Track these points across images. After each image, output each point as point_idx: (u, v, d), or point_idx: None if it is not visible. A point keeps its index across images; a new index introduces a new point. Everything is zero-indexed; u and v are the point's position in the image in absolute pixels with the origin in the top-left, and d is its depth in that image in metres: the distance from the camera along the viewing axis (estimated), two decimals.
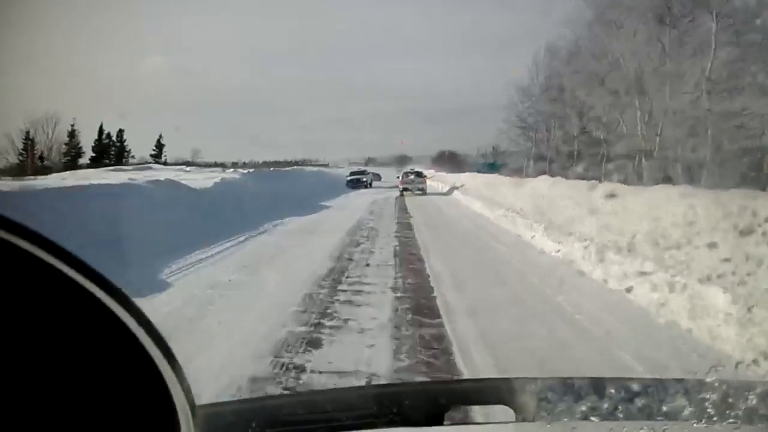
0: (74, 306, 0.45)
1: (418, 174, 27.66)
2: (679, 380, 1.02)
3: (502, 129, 33.86)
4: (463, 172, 38.84)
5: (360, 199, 23.29)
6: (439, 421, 0.99)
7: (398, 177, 28.77)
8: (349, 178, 33.34)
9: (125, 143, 53.86)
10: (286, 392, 3.35)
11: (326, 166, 58.51)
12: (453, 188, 26.98)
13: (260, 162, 62.19)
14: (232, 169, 26.34)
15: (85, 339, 0.46)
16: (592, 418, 0.93)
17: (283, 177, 25.12)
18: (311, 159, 70.08)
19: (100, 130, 52.39)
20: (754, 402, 0.90)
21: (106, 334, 0.47)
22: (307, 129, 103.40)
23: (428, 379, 3.51)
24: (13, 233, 0.43)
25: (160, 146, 56.05)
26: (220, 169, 30.78)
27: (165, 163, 48.68)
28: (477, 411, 1.13)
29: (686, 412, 0.91)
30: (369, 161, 70.40)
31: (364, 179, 33.55)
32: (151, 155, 54.91)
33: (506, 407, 0.99)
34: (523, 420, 0.97)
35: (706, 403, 0.90)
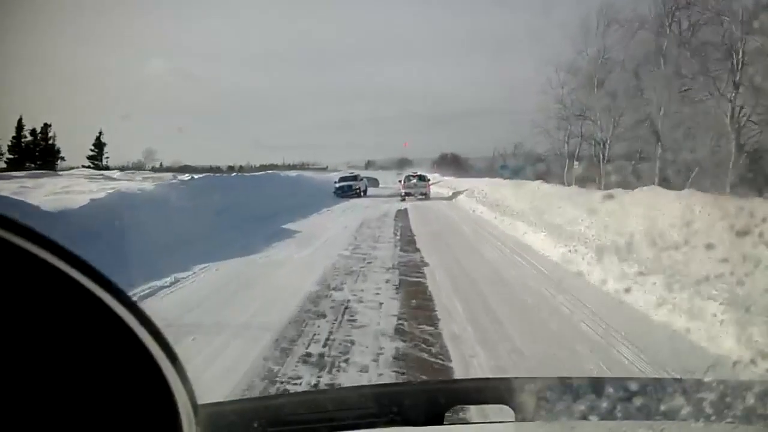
0: (77, 307, 0.46)
1: (421, 177, 25.91)
2: (677, 380, 1.03)
3: (535, 121, 25.29)
4: (469, 175, 34.35)
5: (345, 216, 16.11)
6: (439, 421, 1.00)
7: (399, 181, 26.77)
8: (337, 185, 26.97)
9: (51, 140, 43.21)
10: (287, 392, 3.35)
11: (325, 169, 56.70)
12: (471, 197, 20.40)
13: (257, 165, 58.95)
14: (187, 175, 20.76)
15: (89, 339, 0.46)
16: (591, 418, 0.93)
17: (248, 185, 18.62)
18: (309, 162, 68.76)
19: (19, 126, 41.86)
20: (752, 401, 0.91)
21: (109, 335, 0.47)
22: (308, 132, 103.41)
23: (428, 379, 3.51)
24: (15, 234, 0.43)
25: (100, 146, 45.11)
26: (171, 175, 24.06)
27: (107, 168, 38.80)
28: (477, 411, 1.13)
29: (684, 411, 0.92)
30: (369, 164, 69.59)
31: (357, 186, 27.31)
32: (89, 157, 44.73)
33: (506, 407, 1.00)
34: (523, 419, 0.97)
35: (704, 403, 0.91)
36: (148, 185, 13.05)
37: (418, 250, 9.18)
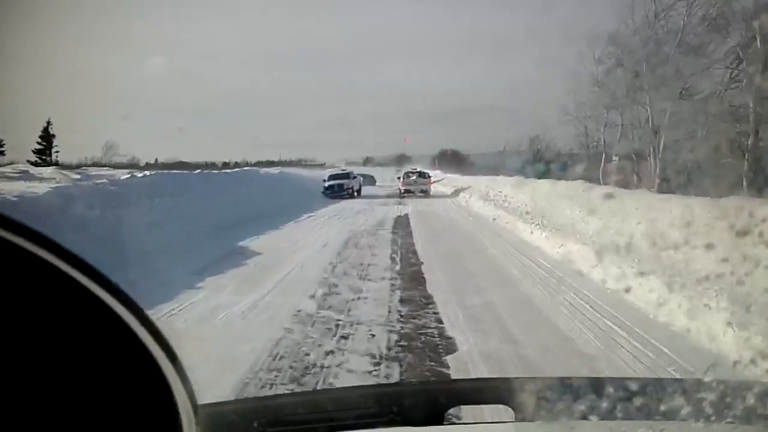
0: (77, 306, 0.46)
1: (421, 174, 25.23)
2: (677, 380, 1.03)
3: (565, 108, 21.13)
4: (472, 173, 31.71)
5: (328, 226, 12.40)
6: (439, 421, 1.00)
7: (399, 178, 25.79)
8: (326, 184, 23.41)
9: None
10: (287, 392, 3.35)
11: (322, 165, 56.07)
12: (486, 200, 16.02)
13: (253, 162, 58.73)
14: (126, 173, 15.19)
15: (88, 339, 0.46)
16: (591, 418, 0.93)
17: (216, 185, 14.97)
18: (307, 159, 68.34)
19: None
20: (752, 401, 0.91)
21: (109, 335, 0.47)
22: (308, 131, 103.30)
23: (428, 379, 3.52)
24: (15, 233, 0.43)
25: (48, 139, 39.34)
26: (127, 171, 16.67)
27: (56, 163, 33.18)
28: (477, 411, 1.13)
29: (684, 411, 0.92)
30: (367, 161, 69.28)
31: (349, 185, 23.70)
32: (35, 151, 38.94)
33: (506, 407, 1.00)
34: (523, 419, 0.97)
35: (704, 403, 0.91)
36: (46, 188, 8.91)
37: (430, 299, 5.61)
